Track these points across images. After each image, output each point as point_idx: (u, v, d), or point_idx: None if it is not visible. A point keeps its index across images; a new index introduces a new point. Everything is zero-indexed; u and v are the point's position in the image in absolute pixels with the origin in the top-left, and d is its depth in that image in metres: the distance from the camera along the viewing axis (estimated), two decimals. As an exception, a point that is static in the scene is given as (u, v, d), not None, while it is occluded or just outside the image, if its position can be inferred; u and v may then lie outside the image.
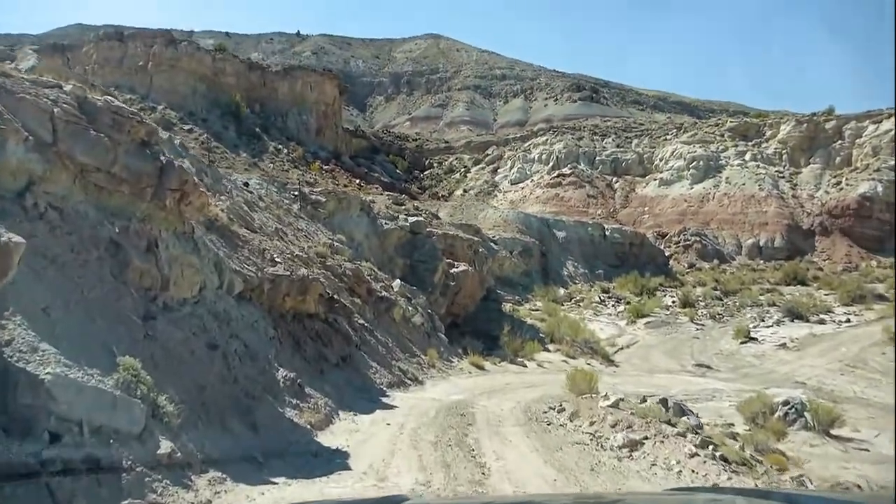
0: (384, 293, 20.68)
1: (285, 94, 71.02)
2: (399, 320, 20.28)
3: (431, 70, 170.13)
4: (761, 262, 65.14)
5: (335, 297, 13.82)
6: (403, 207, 31.47)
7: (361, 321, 16.83)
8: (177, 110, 62.19)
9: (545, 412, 13.03)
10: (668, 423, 9.74)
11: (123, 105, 7.59)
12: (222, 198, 13.33)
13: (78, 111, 6.98)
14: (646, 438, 9.19)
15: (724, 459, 8.44)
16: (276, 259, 12.14)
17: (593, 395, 13.54)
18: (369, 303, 19.22)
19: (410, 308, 21.86)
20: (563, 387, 16.21)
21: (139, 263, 7.27)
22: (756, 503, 2.35)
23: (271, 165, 54.90)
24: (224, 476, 5.67)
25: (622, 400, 12.01)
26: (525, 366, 24.74)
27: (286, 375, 9.39)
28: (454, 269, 26.95)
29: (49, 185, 6.69)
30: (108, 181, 7.26)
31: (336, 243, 21.23)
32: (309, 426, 8.71)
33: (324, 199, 23.73)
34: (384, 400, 12.59)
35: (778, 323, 37.83)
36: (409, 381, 15.77)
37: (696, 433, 9.48)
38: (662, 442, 8.86)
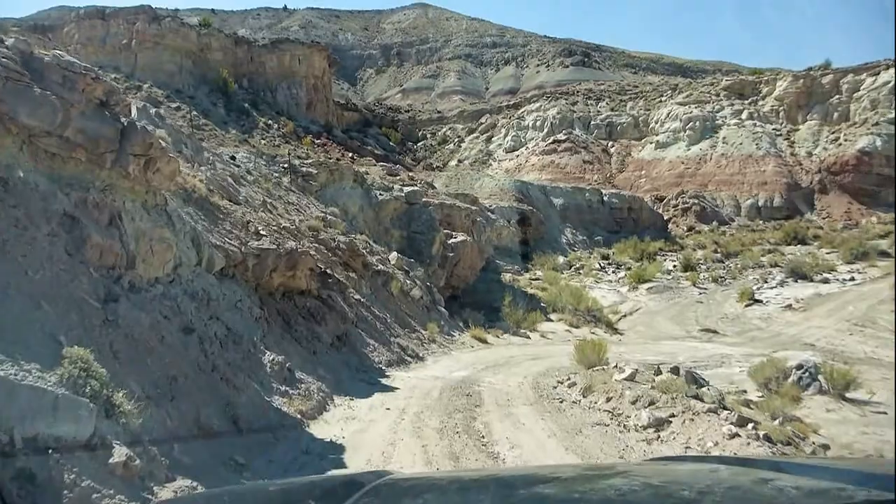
0: (381, 266, 19.86)
1: (273, 68, 69.64)
2: (397, 294, 19.48)
3: (421, 40, 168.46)
4: (760, 222, 64.52)
5: (328, 271, 12.94)
6: (398, 178, 30.53)
7: (357, 297, 16.03)
8: (163, 88, 60.92)
9: (555, 387, 12.29)
10: (696, 397, 8.91)
11: (75, 61, 6.65)
12: (202, 169, 12.43)
13: (21, 67, 6.08)
14: (672, 416, 8.36)
15: (769, 439, 7.64)
16: (262, 232, 11.21)
17: (604, 367, 12.84)
18: (365, 277, 18.42)
19: (408, 281, 21.06)
20: (571, 358, 15.52)
21: (99, 239, 6.38)
22: (737, 470, 2.40)
23: (262, 141, 53.77)
24: (194, 485, 4.84)
25: (638, 372, 11.23)
26: (528, 337, 24.06)
27: (274, 359, 8.50)
28: (452, 240, 26.13)
29: (-12, 152, 5.82)
30: (61, 147, 6.32)
31: (329, 216, 20.37)
32: (299, 416, 7.81)
33: (315, 171, 22.78)
34: (383, 381, 11.72)
35: (782, 284, 37.27)
36: (409, 359, 15.00)
37: (725, 408, 8.68)
38: (692, 420, 8.05)
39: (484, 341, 21.28)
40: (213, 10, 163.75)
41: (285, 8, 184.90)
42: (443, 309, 22.38)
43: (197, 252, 8.57)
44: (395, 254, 22.14)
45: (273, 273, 10.44)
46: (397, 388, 11.15)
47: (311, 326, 11.15)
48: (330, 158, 29.46)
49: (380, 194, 24.78)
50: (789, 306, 31.31)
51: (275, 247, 10.54)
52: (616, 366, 12.92)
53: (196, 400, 6.17)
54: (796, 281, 37.01)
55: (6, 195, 5.66)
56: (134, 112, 10.52)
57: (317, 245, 16.45)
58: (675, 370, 13.24)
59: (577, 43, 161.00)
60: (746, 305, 32.70)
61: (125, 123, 7.05)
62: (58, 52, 6.74)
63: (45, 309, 5.10)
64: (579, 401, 10.53)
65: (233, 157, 20.06)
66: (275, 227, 12.02)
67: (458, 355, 17.89)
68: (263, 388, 7.70)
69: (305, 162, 24.30)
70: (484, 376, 13.56)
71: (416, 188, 27.15)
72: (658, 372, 11.76)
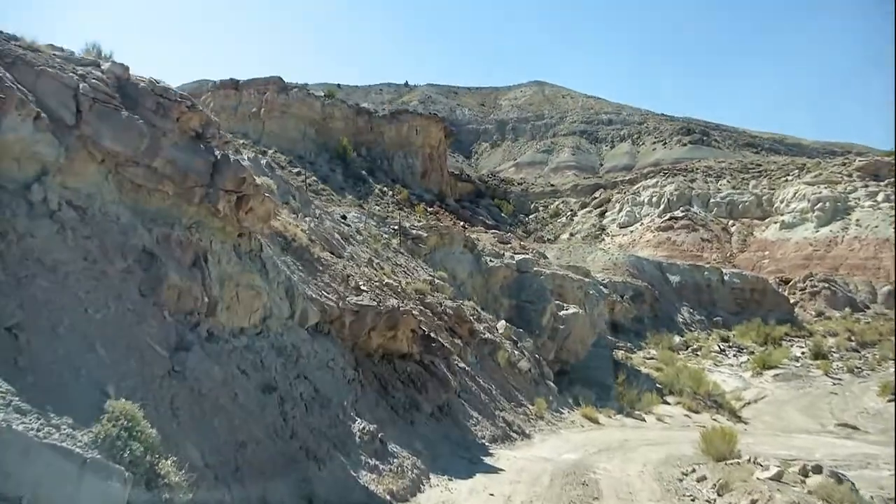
0: (488, 335, 18.86)
1: (391, 137, 71.31)
2: (504, 365, 18.36)
3: (537, 116, 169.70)
4: (899, 311, 59.42)
5: (432, 334, 12.06)
6: (509, 246, 29.68)
7: (462, 365, 15.06)
8: (286, 154, 63.23)
9: (681, 480, 10.80)
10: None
11: (171, 87, 6.20)
12: (306, 219, 11.97)
13: (112, 91, 5.64)
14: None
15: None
16: (363, 287, 10.49)
17: (738, 461, 11.24)
18: (471, 345, 17.46)
19: (516, 352, 19.92)
20: (694, 447, 13.92)
21: (177, 280, 5.75)
22: None
23: (377, 207, 54.59)
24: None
25: (784, 471, 9.61)
26: (643, 420, 22.28)
27: (365, 428, 7.55)
28: (563, 312, 24.84)
29: (69, 177, 5.31)
30: (148, 177, 5.81)
31: (437, 280, 19.68)
32: (389, 496, 6.73)
33: (425, 234, 22.26)
34: (486, 460, 10.52)
35: (928, 378, 33.73)
36: (514, 435, 13.77)
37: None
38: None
39: (595, 421, 19.72)
40: (338, 85, 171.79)
41: (406, 84, 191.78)
42: (552, 384, 21.02)
43: (290, 304, 7.91)
44: (503, 322, 21.10)
45: (372, 332, 9.65)
46: (502, 470, 9.92)
47: (410, 393, 10.23)
48: (441, 223, 29.01)
49: (490, 261, 23.94)
50: None
51: (375, 304, 9.78)
52: (753, 460, 11.30)
53: (266, 472, 5.32)
54: None
55: (81, 225, 5.13)
56: (246, 161, 10.21)
57: (422, 308, 15.70)
58: (817, 470, 11.56)
59: (695, 121, 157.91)
60: (889, 400, 29.94)
61: (218, 156, 6.52)
62: (155, 77, 6.34)
63: (98, 353, 4.42)
64: (714, 500, 9.01)
65: (343, 217, 19.83)
66: (377, 283, 11.28)
67: (567, 435, 16.49)
68: (350, 461, 6.75)
69: (416, 225, 23.88)
70: (598, 461, 12.17)
71: (527, 256, 26.19)
72: (805, 472, 10.11)
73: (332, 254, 11.12)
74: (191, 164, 6.22)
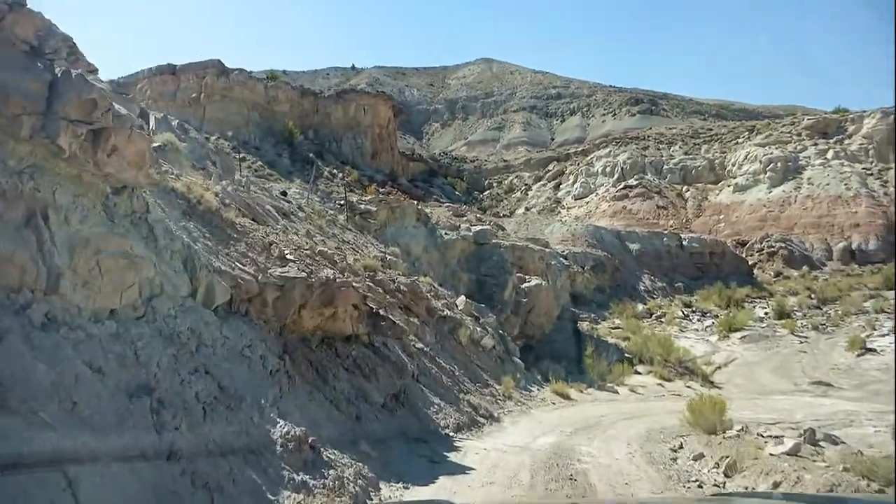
0: (447, 312, 17.35)
1: (339, 118, 69.18)
2: (466, 343, 16.89)
3: (486, 94, 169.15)
4: (856, 266, 59.85)
5: (381, 311, 10.40)
6: (465, 218, 28.17)
7: (420, 345, 13.54)
8: (230, 140, 60.82)
9: (674, 459, 9.44)
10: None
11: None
12: (223, 182, 10.20)
13: None
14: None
15: None
16: (289, 256, 8.68)
17: (737, 433, 9.99)
18: (430, 324, 15.94)
19: (479, 329, 18.45)
20: (676, 418, 12.69)
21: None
22: None
23: (322, 188, 52.75)
24: None
25: (801, 443, 8.29)
26: (616, 392, 21.08)
27: (290, 433, 5.73)
28: (526, 284, 23.47)
29: None
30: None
31: (389, 256, 18.10)
32: None
33: (374, 209, 20.57)
34: (451, 457, 8.82)
35: (894, 331, 33.67)
36: (482, 420, 12.29)
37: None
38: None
39: (566, 397, 18.38)
40: (284, 72, 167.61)
41: (353, 67, 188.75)
42: (518, 360, 19.60)
43: (190, 279, 6.24)
44: (462, 298, 19.59)
45: (302, 311, 7.92)
46: (471, 469, 8.29)
47: (356, 382, 8.52)
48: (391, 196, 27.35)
49: (445, 234, 22.37)
50: None
51: (305, 275, 8.08)
52: (745, 430, 10.03)
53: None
54: None
55: None
56: (153, 122, 8.45)
57: (372, 285, 14.14)
58: (810, 433, 10.41)
59: (643, 91, 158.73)
60: (859, 355, 29.70)
61: (58, 74, 4.79)
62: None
63: None
64: (723, 484, 7.63)
65: (283, 193, 18.06)
66: (307, 252, 9.45)
67: (539, 414, 15.10)
68: (266, 480, 5.02)
69: (364, 199, 22.19)
70: (578, 444, 10.75)
71: (485, 227, 24.67)
72: (813, 440, 8.88)
73: (255, 221, 9.39)
74: (18, 85, 4.52)
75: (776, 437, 8.81)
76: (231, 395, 5.65)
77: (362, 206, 20.46)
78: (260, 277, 7.30)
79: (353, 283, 8.82)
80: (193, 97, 63.66)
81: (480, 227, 24.16)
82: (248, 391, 5.94)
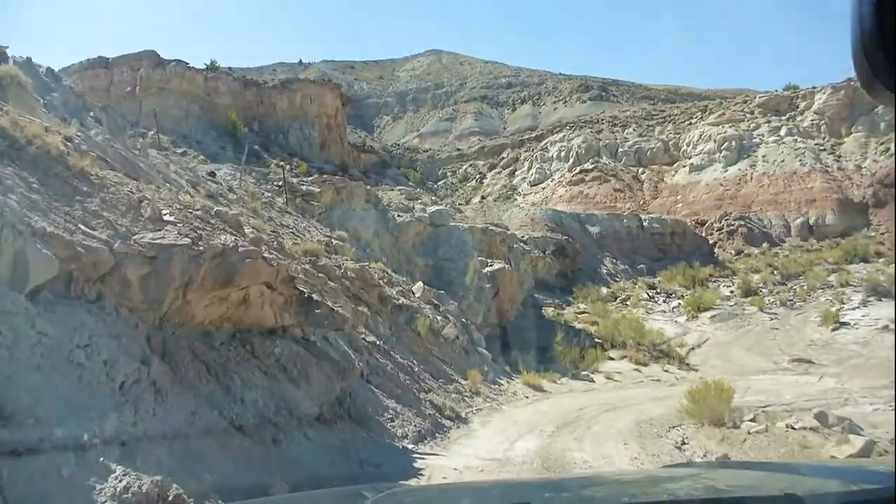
0: (403, 300, 15.35)
1: (284, 109, 66.51)
2: (426, 334, 14.91)
3: (436, 85, 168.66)
4: (814, 241, 59.76)
5: (314, 296, 8.18)
6: (419, 201, 26.08)
7: (371, 338, 11.56)
8: (169, 134, 57.99)
9: (687, 460, 7.69)
10: None
11: None
12: (94, 133, 7.91)
13: None
14: None
15: None
16: (167, 217, 6.26)
17: (757, 423, 8.27)
18: (383, 314, 13.96)
19: (439, 318, 16.49)
20: (680, 409, 10.96)
21: None
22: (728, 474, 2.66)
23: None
24: None
25: (872, 445, 6.50)
26: (591, 380, 19.35)
27: (130, 487, 3.56)
28: (488, 268, 21.58)
29: None
30: None
31: (335, 241, 16.04)
32: None
33: (317, 190, 18.39)
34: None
35: (864, 304, 33.14)
36: (447, 423, 10.31)
37: None
38: None
39: (540, 388, 16.53)
40: (229, 68, 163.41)
41: (301, 62, 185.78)
42: (484, 351, 17.68)
43: (-2, 247, 4.14)
44: (420, 284, 17.56)
45: (189, 294, 5.69)
46: None
47: (278, 389, 6.23)
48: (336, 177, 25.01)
49: (398, 216, 20.30)
50: (886, 327, 27.85)
51: (188, 241, 5.83)
52: (788, 424, 8.27)
53: None
54: (880, 300, 33.24)
55: None
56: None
57: (315, 271, 12.08)
58: (821, 416, 8.81)
59: (593, 78, 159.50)
60: (833, 329, 28.90)
61: None
62: None
63: None
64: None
65: (212, 174, 15.82)
66: (196, 212, 6.89)
67: (512, 411, 13.22)
68: None
69: (306, 180, 19.96)
70: (564, 447, 8.86)
71: (441, 208, 22.66)
72: (825, 422, 7.17)
73: (127, 175, 7.07)
74: None
75: (812, 428, 7.09)
76: (24, 426, 3.49)
77: (304, 188, 18.27)
78: (117, 245, 5.09)
79: (264, 255, 6.59)
80: (128, 91, 60.68)
81: (436, 208, 22.14)
82: (63, 419, 3.78)
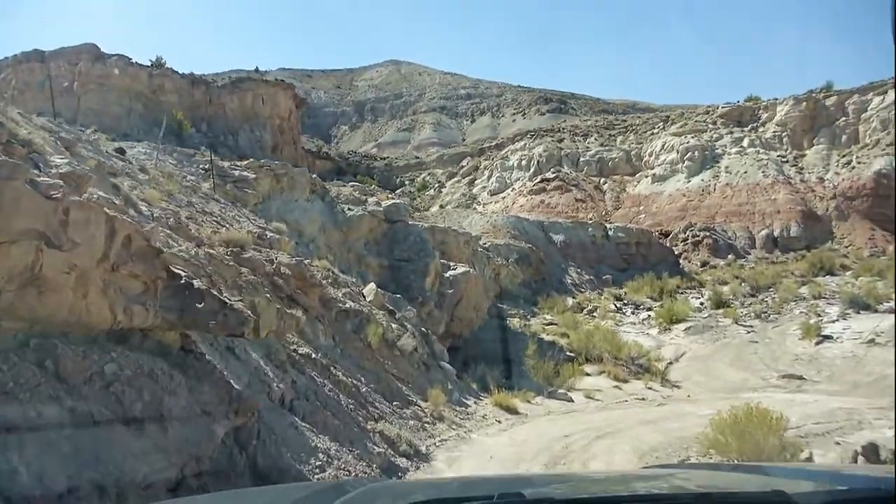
0: (350, 303, 12.65)
1: (235, 109, 63.31)
2: (377, 346, 12.23)
3: (395, 95, 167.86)
4: (779, 253, 58.74)
5: (198, 283, 5.29)
6: (374, 198, 23.31)
7: (305, 349, 8.87)
8: (109, 132, 54.22)
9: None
10: None
11: None
12: None
13: None
14: None
15: None
16: None
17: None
18: (325, 319, 11.29)
19: (395, 326, 13.80)
20: (702, 441, 8.50)
21: None
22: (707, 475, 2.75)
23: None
24: None
25: None
26: (570, 399, 16.79)
27: None
28: (451, 272, 18.98)
29: None
30: None
31: (270, 233, 13.31)
32: None
33: (252, 176, 15.60)
34: None
35: (844, 316, 31.44)
36: (402, 462, 7.65)
37: None
38: None
39: (514, 411, 13.90)
40: (182, 75, 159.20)
41: (257, 70, 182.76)
42: (447, 365, 14.99)
43: None
44: (372, 286, 14.81)
45: None
46: None
47: (90, 445, 3.46)
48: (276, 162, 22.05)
49: (349, 209, 17.57)
50: (872, 340, 26.02)
51: None
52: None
53: None
54: (858, 312, 31.65)
55: None
56: None
57: (235, 265, 9.35)
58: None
59: (552, 92, 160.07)
60: (817, 343, 27.03)
61: None
62: None
63: None
64: None
65: (120, 150, 12.99)
66: None
67: (484, 441, 10.59)
68: None
69: (239, 164, 17.13)
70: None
71: (397, 202, 19.97)
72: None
73: None
74: None
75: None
76: None
77: (236, 173, 15.47)
78: None
79: (107, 210, 3.74)
80: (66, 86, 56.84)
81: (392, 202, 19.44)
82: None
